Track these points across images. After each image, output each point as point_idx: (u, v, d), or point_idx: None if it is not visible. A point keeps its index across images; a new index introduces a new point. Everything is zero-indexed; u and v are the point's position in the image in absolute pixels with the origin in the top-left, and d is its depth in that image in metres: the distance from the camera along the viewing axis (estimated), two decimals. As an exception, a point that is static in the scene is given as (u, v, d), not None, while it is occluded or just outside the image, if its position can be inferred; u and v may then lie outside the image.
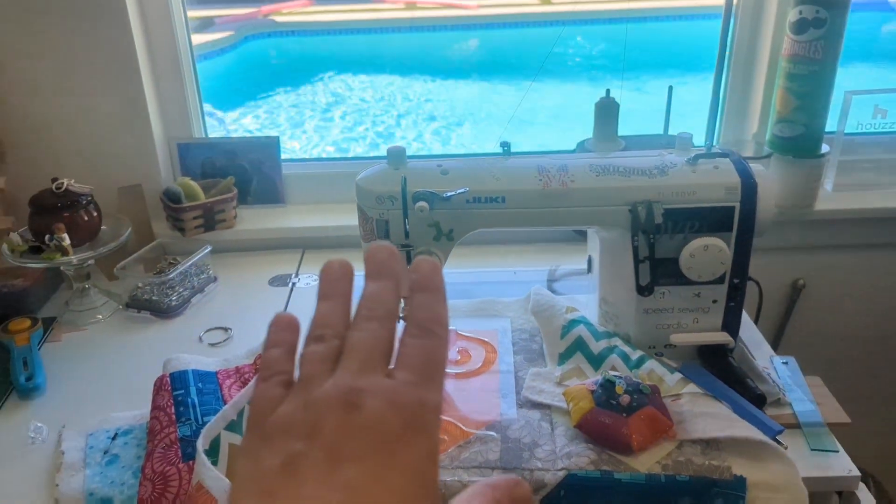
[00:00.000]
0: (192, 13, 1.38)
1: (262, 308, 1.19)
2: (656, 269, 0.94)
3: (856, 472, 0.83)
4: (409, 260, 0.96)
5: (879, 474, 1.54)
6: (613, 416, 0.85)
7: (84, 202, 1.13)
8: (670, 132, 1.23)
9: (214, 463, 0.78)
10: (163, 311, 1.17)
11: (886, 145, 1.38)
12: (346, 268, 0.35)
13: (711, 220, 0.92)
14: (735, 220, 0.92)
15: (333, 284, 0.34)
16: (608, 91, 1.15)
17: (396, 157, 0.94)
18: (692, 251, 0.92)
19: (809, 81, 1.24)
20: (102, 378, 1.03)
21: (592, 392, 0.88)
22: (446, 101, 4.97)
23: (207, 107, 1.48)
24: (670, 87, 1.18)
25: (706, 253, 0.92)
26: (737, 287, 0.96)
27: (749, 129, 1.42)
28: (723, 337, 0.97)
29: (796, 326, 1.50)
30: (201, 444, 0.77)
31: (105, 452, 0.87)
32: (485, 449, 0.87)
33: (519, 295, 1.17)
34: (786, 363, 1.00)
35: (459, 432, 0.90)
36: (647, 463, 0.84)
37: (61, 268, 1.17)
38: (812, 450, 0.86)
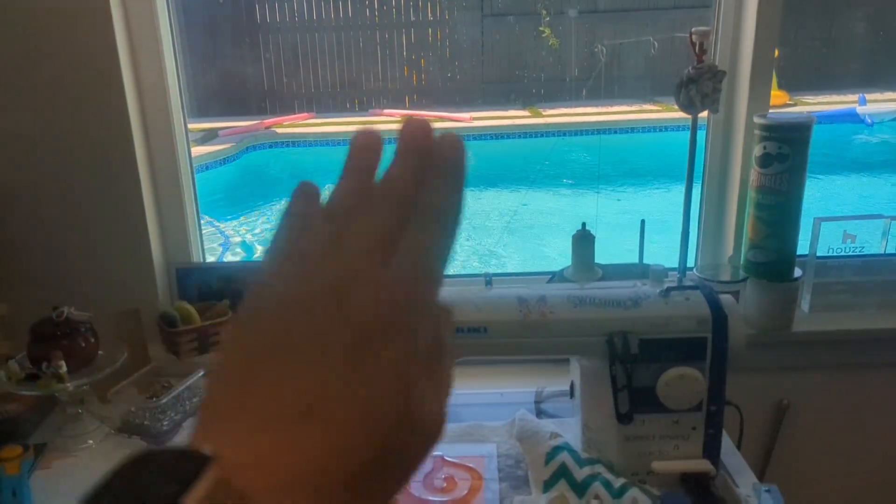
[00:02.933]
0: (194, 125, 1.46)
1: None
2: (635, 398, 0.97)
3: None
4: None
5: None
6: (595, 548, 0.86)
7: (83, 329, 1.17)
8: (645, 260, 1.28)
9: None
10: (153, 437, 1.19)
11: (857, 268, 1.44)
12: (373, 139, 0.33)
13: (685, 350, 0.95)
14: (708, 350, 0.95)
15: (359, 156, 0.32)
16: (584, 224, 1.22)
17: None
18: (668, 381, 0.95)
19: (777, 211, 1.31)
20: (90, 507, 1.04)
21: (575, 523, 0.90)
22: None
23: (206, 219, 1.54)
24: (643, 221, 1.25)
25: (682, 382, 0.95)
26: (714, 414, 0.99)
27: (725, 252, 1.48)
28: (703, 465, 0.99)
29: (783, 449, 1.51)
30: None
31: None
32: (468, 583, 0.87)
33: (505, 418, 1.19)
34: (769, 491, 1.02)
35: (443, 565, 0.90)
36: None
37: (56, 394, 1.20)
38: (793, 583, 0.86)
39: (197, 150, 5.30)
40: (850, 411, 1.49)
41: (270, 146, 6.39)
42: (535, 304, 0.97)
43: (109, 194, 1.35)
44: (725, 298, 0.98)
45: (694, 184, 1.41)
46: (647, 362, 0.96)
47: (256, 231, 4.75)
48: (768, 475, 1.52)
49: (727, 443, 1.15)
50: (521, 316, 0.96)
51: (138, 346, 1.34)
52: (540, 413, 1.24)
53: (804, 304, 1.46)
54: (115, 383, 1.23)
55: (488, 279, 1.03)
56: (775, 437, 1.49)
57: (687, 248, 1.33)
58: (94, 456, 1.17)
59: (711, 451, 1.00)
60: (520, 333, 0.96)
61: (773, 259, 1.33)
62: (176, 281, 1.45)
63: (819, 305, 1.45)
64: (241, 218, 4.91)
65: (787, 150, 1.27)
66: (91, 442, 1.19)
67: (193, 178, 1.48)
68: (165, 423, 1.20)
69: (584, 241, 1.19)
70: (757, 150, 1.30)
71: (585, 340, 0.96)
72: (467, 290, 1.01)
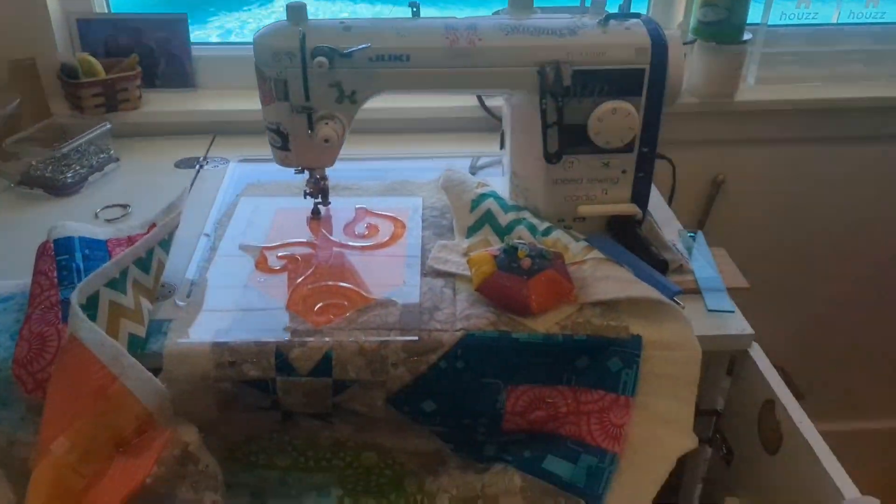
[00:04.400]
0: None
1: (166, 187, 1.13)
2: (565, 136, 0.91)
3: (749, 331, 0.84)
4: (310, 125, 0.91)
5: (791, 366, 1.59)
6: (514, 278, 0.84)
7: (-35, 68, 1.05)
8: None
9: (92, 317, 0.74)
10: (57, 189, 1.11)
11: (808, 37, 1.38)
12: None
13: (621, 82, 0.89)
14: (644, 84, 0.90)
15: None
16: None
17: (296, 12, 0.89)
18: (600, 115, 0.90)
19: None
20: (17, 245, 0.98)
21: (495, 257, 0.87)
22: None
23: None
24: None
25: (614, 117, 0.90)
26: (646, 156, 0.95)
27: (676, 17, 1.39)
28: (631, 208, 0.97)
29: (714, 222, 1.51)
30: (75, 297, 0.73)
31: (-17, 317, 0.83)
32: (385, 312, 0.85)
33: (435, 177, 1.14)
34: (692, 236, 1.00)
35: (360, 298, 0.88)
36: (546, 324, 0.83)
37: (-56, 140, 1.10)
38: (709, 310, 0.87)
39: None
40: (787, 185, 1.49)
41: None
42: (463, 32, 0.89)
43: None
44: (669, 31, 0.91)
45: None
46: (579, 96, 0.90)
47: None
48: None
49: (657, 197, 1.13)
50: (448, 43, 0.88)
51: (37, 100, 1.23)
52: (473, 179, 1.20)
53: (750, 77, 1.41)
54: (7, 132, 1.13)
55: (416, 10, 0.93)
56: (708, 210, 1.49)
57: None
58: (-7, 207, 1.09)
59: (640, 196, 0.97)
60: (445, 62, 0.88)
61: (723, 18, 1.26)
62: (77, 33, 1.31)
63: (765, 78, 1.40)
64: None
65: None
66: (-10, 195, 1.11)
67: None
68: (70, 175, 1.12)
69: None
70: None
71: (516, 71, 0.89)
72: (391, 19, 0.92)
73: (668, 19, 1.38)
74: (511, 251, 0.86)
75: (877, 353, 1.75)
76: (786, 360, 1.67)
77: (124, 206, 1.08)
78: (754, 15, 1.32)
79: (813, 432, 0.74)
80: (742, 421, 0.88)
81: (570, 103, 0.90)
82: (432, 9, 1.45)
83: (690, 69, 1.33)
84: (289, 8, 0.89)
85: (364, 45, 0.87)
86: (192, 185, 1.15)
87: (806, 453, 0.74)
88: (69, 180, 1.12)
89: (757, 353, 0.85)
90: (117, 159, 1.21)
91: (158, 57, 1.35)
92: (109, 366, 0.72)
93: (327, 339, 0.81)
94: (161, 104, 1.32)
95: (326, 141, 0.90)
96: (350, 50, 0.86)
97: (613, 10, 0.93)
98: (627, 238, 0.95)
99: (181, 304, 0.87)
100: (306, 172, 1.00)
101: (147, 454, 0.76)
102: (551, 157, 0.92)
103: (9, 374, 0.77)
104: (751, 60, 1.39)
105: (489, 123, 1.32)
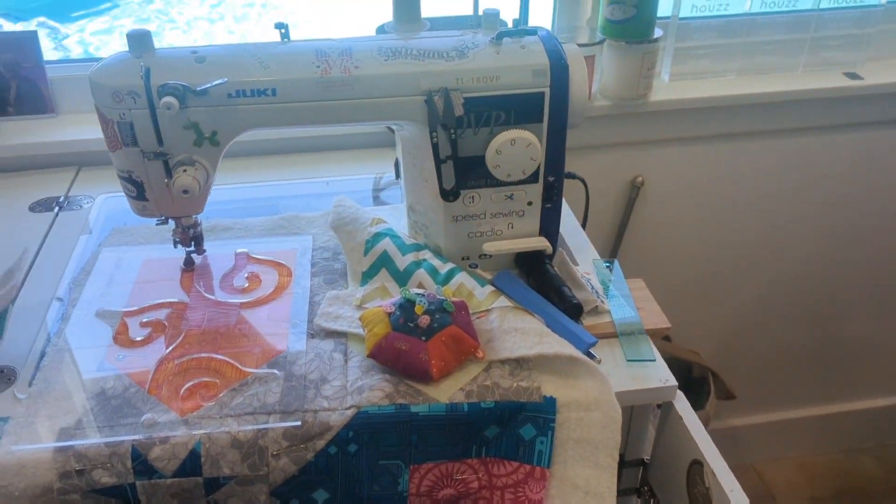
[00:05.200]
0: None
1: (17, 236, 0.99)
2: (461, 170, 0.81)
3: (672, 382, 0.76)
4: (168, 172, 0.79)
5: (719, 367, 1.55)
6: (411, 340, 0.74)
7: None
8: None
9: None
10: None
11: (720, 29, 1.31)
12: None
13: (519, 109, 0.79)
14: (545, 109, 0.80)
15: None
16: None
17: (139, 42, 0.75)
18: (498, 147, 0.80)
19: (638, -44, 1.12)
20: None
21: (390, 315, 0.76)
22: None
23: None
24: None
25: (514, 148, 0.80)
26: (553, 185, 0.85)
27: (583, 14, 1.30)
28: (539, 242, 0.87)
29: (635, 225, 1.45)
30: None
31: None
32: (263, 390, 0.74)
33: (328, 208, 1.03)
34: (608, 266, 0.92)
35: (235, 373, 0.76)
36: (450, 391, 0.73)
37: None
38: (628, 360, 0.78)
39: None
40: (706, 184, 1.43)
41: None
42: (336, 58, 0.77)
43: None
44: (569, 47, 0.81)
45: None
46: (474, 126, 0.79)
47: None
48: (620, 253, 1.47)
49: (571, 221, 1.04)
50: (319, 72, 0.76)
51: None
52: (378, 203, 1.09)
53: (664, 74, 1.33)
54: None
55: (284, 32, 0.81)
56: (629, 214, 1.42)
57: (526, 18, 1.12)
58: None
59: (549, 227, 0.88)
60: (318, 94, 0.77)
61: (632, 16, 1.17)
62: None
63: (679, 74, 1.33)
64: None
65: None
66: None
67: None
68: None
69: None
70: None
71: (399, 101, 0.78)
72: (253, 45, 0.79)
73: (574, 18, 1.29)
74: (408, 305, 0.76)
75: (798, 346, 1.73)
76: (712, 357, 1.63)
77: (-37, 267, 0.93)
78: (664, 8, 1.25)
79: (744, 502, 0.67)
80: (670, 473, 0.81)
81: (464, 135, 0.79)
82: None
83: (601, 70, 1.25)
84: (129, 37, 0.75)
85: (221, 81, 0.74)
86: (47, 232, 1.00)
87: (739, 526, 0.66)
88: None
89: (682, 406, 0.77)
90: (-39, 205, 1.05)
91: (9, 80, 1.18)
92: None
93: (194, 431, 0.69)
94: (13, 135, 1.16)
95: (186, 192, 0.77)
96: (204, 87, 0.74)
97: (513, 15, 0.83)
98: (537, 277, 0.86)
99: (21, 396, 0.74)
100: (171, 221, 0.87)
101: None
102: (447, 195, 0.82)
103: None
104: (664, 56, 1.31)
105: (390, 137, 1.21)
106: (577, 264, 0.91)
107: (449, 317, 0.76)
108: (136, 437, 0.68)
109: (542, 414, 0.73)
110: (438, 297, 0.78)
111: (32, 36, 1.16)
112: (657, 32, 1.20)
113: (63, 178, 1.14)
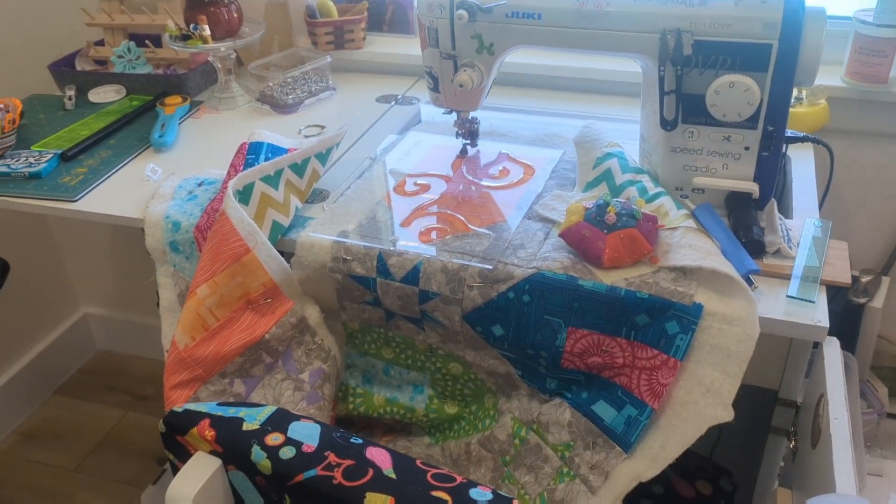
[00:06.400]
0: None
1: (363, 115, 1.34)
2: (682, 104, 0.93)
3: (824, 324, 0.81)
4: (455, 70, 1.04)
5: None
6: (594, 230, 0.90)
7: (226, 2, 1.33)
8: None
9: (245, 201, 0.96)
10: (279, 107, 1.37)
11: None
12: None
13: (745, 56, 0.88)
14: (772, 60, 0.88)
15: None
16: None
17: (455, -30, 1.01)
18: (717, 87, 0.90)
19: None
20: (214, 147, 1.26)
21: (587, 209, 0.93)
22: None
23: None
24: None
25: (732, 90, 0.89)
26: (772, 135, 0.92)
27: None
28: (748, 185, 0.95)
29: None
30: (233, 184, 0.95)
31: (189, 192, 1.09)
32: (476, 241, 0.96)
33: (588, 135, 1.20)
34: (819, 225, 0.96)
35: (462, 226, 1.00)
36: (615, 278, 0.88)
37: (209, 58, 1.40)
38: (788, 296, 0.84)
39: None
40: None
41: None
42: (595, -5, 0.94)
43: None
44: (813, 9, 0.87)
45: None
46: (701, 66, 0.91)
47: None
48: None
49: (808, 185, 1.07)
50: (578, 5, 0.94)
51: (284, 34, 1.49)
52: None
53: None
54: (261, 58, 1.40)
55: (567, -27, 1.00)
56: (915, 217, 1.34)
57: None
58: (234, 115, 1.38)
59: (764, 176, 0.95)
60: (573, 23, 0.95)
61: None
62: (326, -20, 1.55)
63: None
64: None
65: None
66: (235, 105, 1.40)
67: None
68: (290, 97, 1.37)
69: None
70: None
71: (639, 36, 0.92)
72: (540, -20, 1.00)
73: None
74: (603, 206, 0.92)
75: None
76: None
77: (321, 127, 1.30)
78: None
79: (843, 428, 0.72)
80: (807, 415, 0.85)
81: (689, 73, 0.91)
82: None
83: (908, 54, 1.21)
84: (450, -35, 1.01)
85: (502, 2, 0.96)
86: (381, 116, 1.34)
87: (827, 449, 0.72)
88: (290, 101, 1.37)
89: (830, 347, 0.82)
90: (334, 89, 1.44)
91: (387, 5, 1.55)
92: (246, 239, 0.93)
93: (420, 252, 0.94)
94: (380, 46, 1.53)
95: (461, 86, 1.02)
96: (489, 5, 0.97)
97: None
98: (736, 214, 0.94)
99: (326, 207, 1.06)
100: (455, 115, 1.13)
101: (270, 316, 0.97)
102: (666, 124, 0.95)
103: (192, 236, 1.02)
104: None
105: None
106: (781, 215, 0.96)
107: (634, 221, 0.90)
108: (383, 247, 0.96)
109: (688, 315, 0.84)
110: (632, 206, 0.92)
111: (410, -28, 1.51)
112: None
113: (405, 83, 1.48)
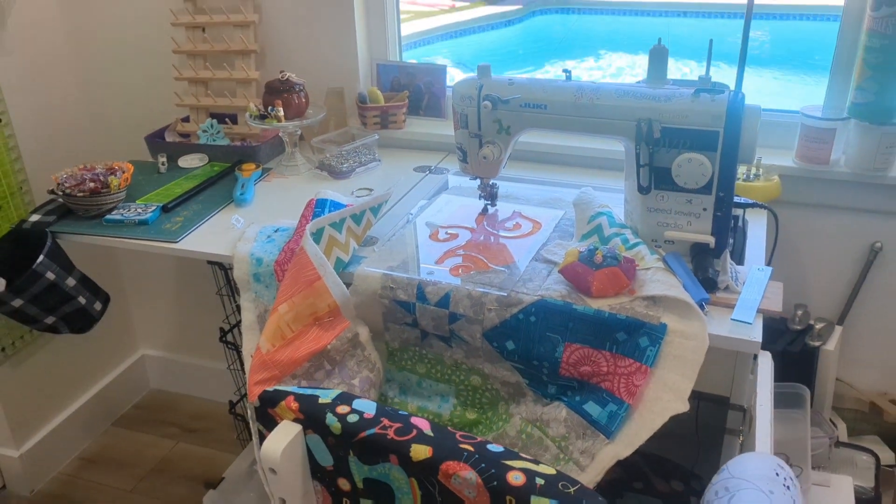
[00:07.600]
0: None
1: (403, 181, 1.64)
2: (654, 174, 1.22)
3: (756, 340, 1.07)
4: (479, 146, 1.34)
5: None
6: (586, 268, 1.17)
7: (297, 89, 1.66)
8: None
9: (316, 240, 1.25)
10: (335, 173, 1.67)
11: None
12: None
13: (699, 139, 1.17)
14: (719, 143, 1.17)
15: None
16: (660, 39, 1.38)
17: (483, 71, 1.32)
18: (680, 162, 1.19)
19: (882, 53, 1.38)
20: (283, 203, 1.56)
21: (580, 252, 1.21)
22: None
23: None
24: (710, 40, 1.36)
25: (690, 164, 1.18)
26: (723, 200, 1.21)
27: (846, 97, 1.55)
28: (706, 238, 1.23)
29: (871, 289, 1.61)
30: (309, 227, 1.24)
31: (268, 236, 1.39)
32: (494, 276, 1.24)
33: (587, 201, 1.49)
34: (761, 270, 1.23)
35: (482, 265, 1.27)
36: (601, 304, 1.15)
37: (280, 133, 1.72)
38: (731, 319, 1.11)
39: (484, 10, 5.24)
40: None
41: (558, 11, 5.67)
42: (587, 92, 1.24)
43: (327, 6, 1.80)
44: (749, 106, 1.17)
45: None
46: (667, 146, 1.20)
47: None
48: (853, 312, 1.64)
49: (759, 244, 1.34)
50: (575, 99, 1.24)
51: (339, 114, 1.82)
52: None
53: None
54: (320, 134, 1.72)
55: (568, 75, 1.31)
56: (863, 278, 1.60)
57: (742, 76, 1.44)
58: (298, 180, 1.69)
59: (718, 231, 1.23)
60: (571, 112, 1.25)
61: (872, 101, 1.42)
62: (377, 73, 1.89)
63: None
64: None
65: (894, -8, 1.32)
66: (299, 172, 1.71)
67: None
68: (345, 166, 1.68)
69: (659, 54, 1.36)
70: (870, -9, 1.37)
71: (621, 123, 1.22)
72: (545, 80, 1.31)
73: (843, 101, 1.54)
74: (593, 250, 1.20)
75: None
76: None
77: (369, 190, 1.60)
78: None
79: (765, 408, 0.96)
80: (752, 415, 1.10)
81: (658, 151, 1.20)
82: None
83: (846, 142, 1.50)
84: (479, 68, 1.32)
85: (517, 96, 1.27)
86: (417, 182, 1.64)
87: (755, 427, 0.97)
88: (344, 169, 1.67)
89: (763, 358, 1.07)
90: (379, 160, 1.75)
91: (424, 94, 1.88)
92: (318, 268, 1.21)
93: (450, 283, 1.22)
94: (418, 127, 1.85)
95: (484, 158, 1.32)
96: (507, 98, 1.27)
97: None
98: (697, 260, 1.21)
99: (377, 250, 1.35)
100: (479, 181, 1.42)
101: (332, 331, 1.24)
102: (643, 190, 1.23)
103: (272, 268, 1.30)
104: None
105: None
106: (732, 262, 1.23)
107: (616, 262, 1.17)
108: (422, 278, 1.24)
109: (656, 332, 1.10)
110: (616, 251, 1.20)
111: (443, 69, 1.84)
112: (900, 116, 1.42)
113: (437, 157, 1.78)
